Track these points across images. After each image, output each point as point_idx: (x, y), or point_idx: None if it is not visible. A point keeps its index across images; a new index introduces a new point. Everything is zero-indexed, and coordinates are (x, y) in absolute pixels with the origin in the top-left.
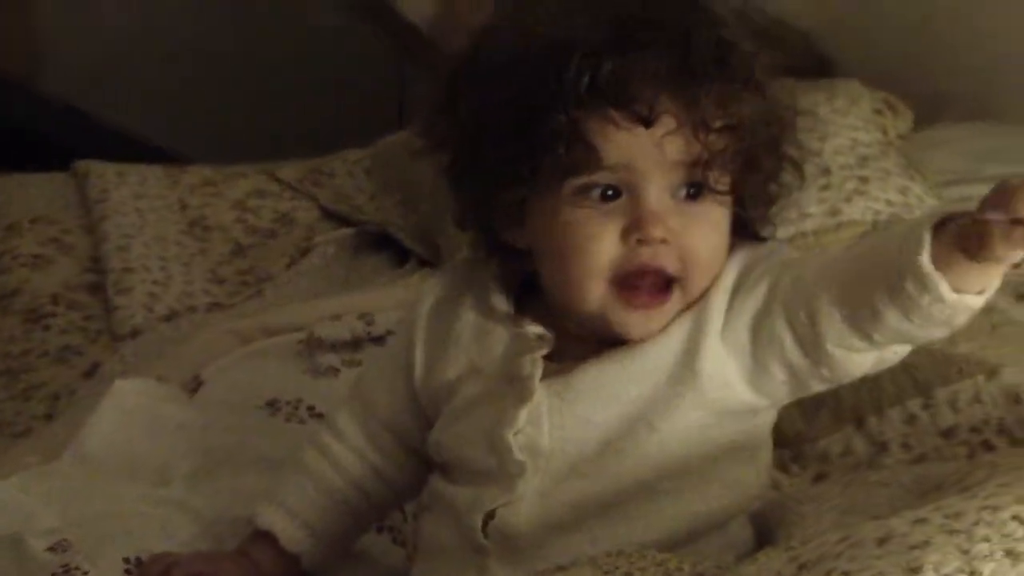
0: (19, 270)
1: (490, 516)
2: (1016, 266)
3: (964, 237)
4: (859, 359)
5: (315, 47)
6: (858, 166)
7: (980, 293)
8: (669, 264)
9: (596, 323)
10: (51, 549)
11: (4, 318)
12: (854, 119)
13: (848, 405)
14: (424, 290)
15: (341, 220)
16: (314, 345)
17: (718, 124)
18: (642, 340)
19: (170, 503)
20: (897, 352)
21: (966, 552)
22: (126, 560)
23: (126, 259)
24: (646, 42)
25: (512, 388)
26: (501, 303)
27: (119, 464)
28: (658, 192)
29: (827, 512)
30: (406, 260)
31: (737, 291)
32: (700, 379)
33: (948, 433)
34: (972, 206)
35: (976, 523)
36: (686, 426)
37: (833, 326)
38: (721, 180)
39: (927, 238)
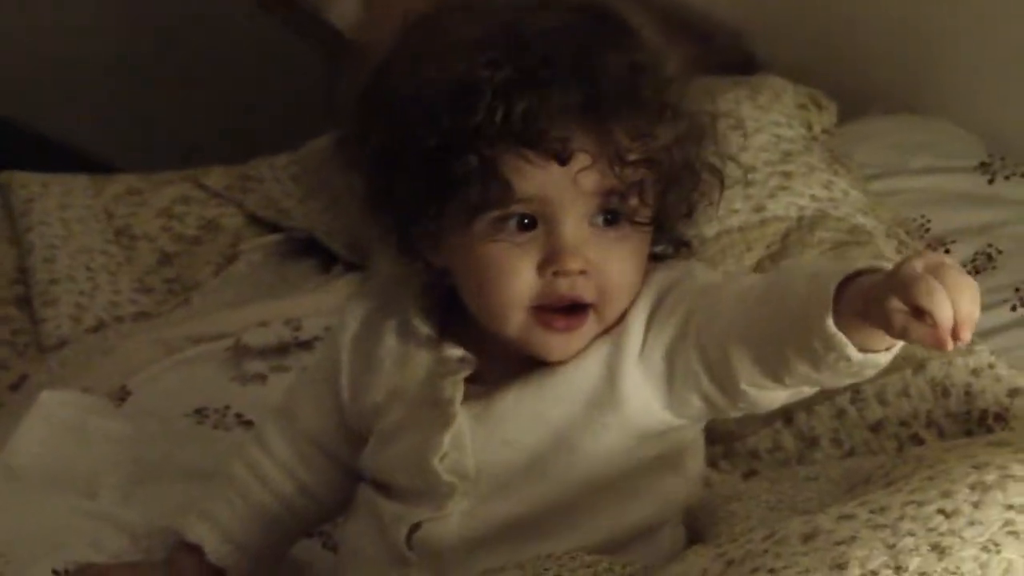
0: None
1: (415, 528)
2: None
3: (868, 309)
4: (773, 395)
5: (240, 51)
6: (782, 162)
7: (887, 350)
8: (587, 294)
9: (517, 345)
10: None
11: None
12: (777, 115)
13: None
14: (346, 312)
15: (267, 226)
16: (241, 352)
17: (632, 157)
18: (562, 362)
19: (99, 515)
20: (813, 388)
21: (892, 547)
22: (55, 572)
23: (52, 270)
24: (548, 79)
25: (434, 412)
26: (422, 326)
27: (47, 476)
28: (575, 222)
29: (756, 509)
30: (333, 265)
31: (653, 316)
32: (620, 401)
33: (877, 427)
34: (878, 262)
35: (901, 517)
36: (608, 446)
37: (744, 369)
38: (640, 210)
39: (830, 301)
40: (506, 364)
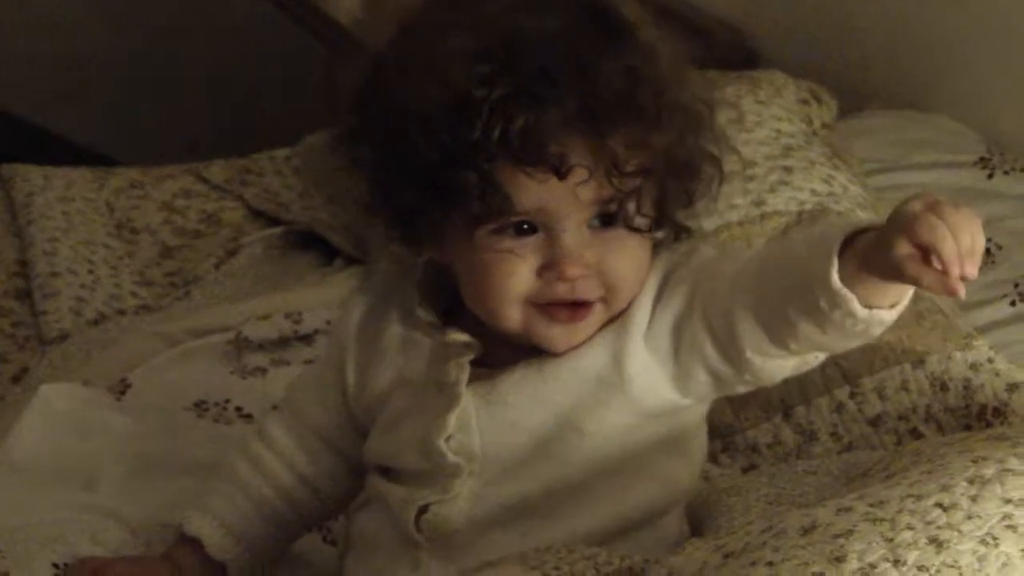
0: None
1: (423, 511)
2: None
3: (872, 258)
4: (779, 364)
5: (242, 45)
6: (782, 156)
7: (893, 307)
8: (588, 293)
9: (520, 338)
10: None
11: None
12: (778, 109)
13: (776, 395)
14: (349, 305)
15: (268, 219)
16: (242, 345)
17: (629, 168)
18: (565, 348)
19: (99, 508)
20: (818, 357)
21: (890, 540)
22: (55, 566)
23: (53, 263)
24: (545, 94)
25: (440, 395)
26: (426, 314)
27: (47, 469)
28: (574, 229)
29: (754, 502)
30: (334, 259)
31: (660, 296)
32: (626, 383)
33: (876, 421)
34: (882, 218)
35: (900, 511)
36: (614, 428)
37: (750, 335)
38: (637, 217)
39: (834, 256)
40: (511, 348)
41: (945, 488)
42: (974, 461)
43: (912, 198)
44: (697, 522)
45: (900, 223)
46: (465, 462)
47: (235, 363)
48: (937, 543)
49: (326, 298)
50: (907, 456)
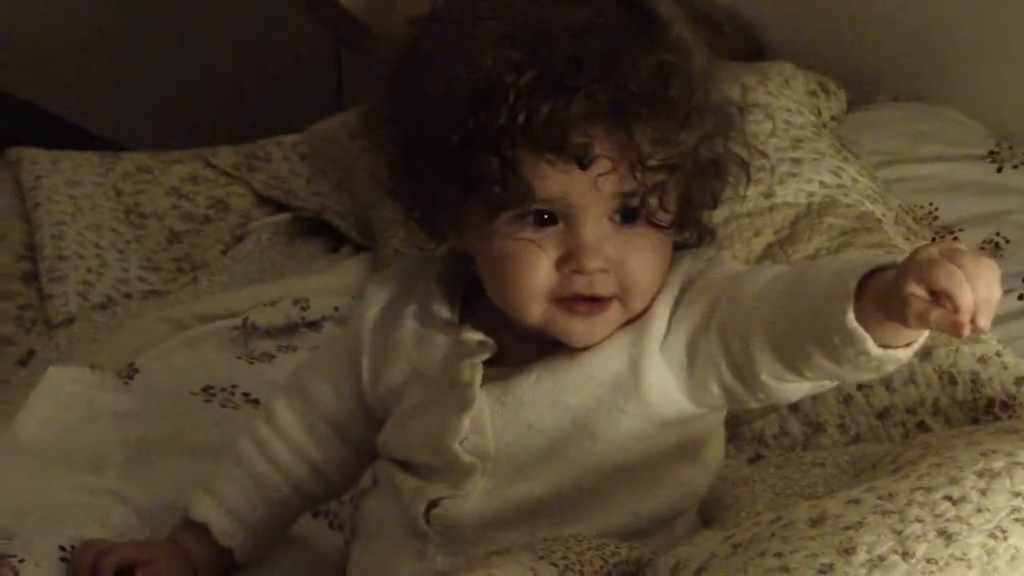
0: None
1: (434, 504)
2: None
3: (887, 300)
4: (793, 387)
5: (250, 30)
6: (792, 148)
7: (908, 346)
8: (605, 290)
9: (539, 332)
10: None
11: None
12: (787, 101)
13: None
14: (367, 296)
15: (276, 205)
16: (249, 331)
17: (654, 162)
18: (587, 345)
19: (105, 492)
20: (835, 382)
21: (899, 532)
22: (62, 548)
23: (60, 247)
24: (573, 83)
25: (453, 395)
26: (443, 310)
27: (54, 452)
28: (594, 221)
29: (762, 493)
30: (341, 245)
31: (678, 305)
32: (641, 390)
33: (883, 414)
34: (900, 256)
35: (909, 503)
36: (628, 433)
37: (766, 361)
38: (659, 212)
39: (851, 295)
40: (527, 347)
41: (954, 481)
42: (983, 454)
43: (930, 244)
44: (704, 513)
45: (916, 268)
46: (479, 462)
47: (242, 349)
48: (946, 536)
49: (333, 285)
50: (916, 449)
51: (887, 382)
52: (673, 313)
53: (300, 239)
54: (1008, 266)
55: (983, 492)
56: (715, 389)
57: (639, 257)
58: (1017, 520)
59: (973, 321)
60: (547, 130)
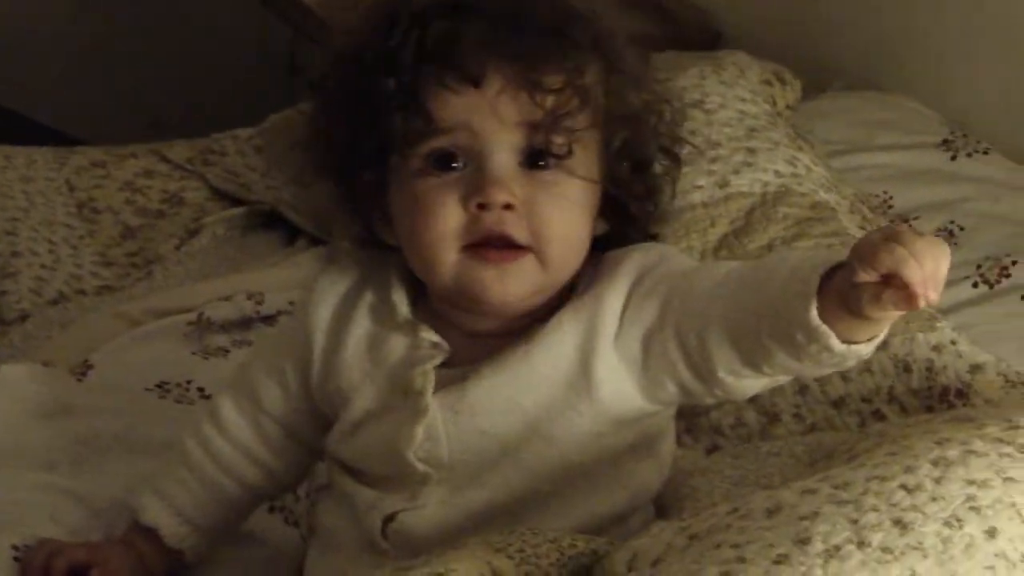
0: None
1: (390, 519)
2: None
3: (845, 295)
4: (750, 383)
5: (207, 23)
6: (746, 137)
7: (870, 341)
8: (516, 232)
9: (458, 295)
10: None
11: None
12: (742, 90)
13: None
14: (319, 290)
15: (230, 199)
16: (203, 326)
17: (555, 85)
18: (502, 305)
19: (58, 489)
20: (790, 377)
21: (855, 522)
22: (14, 547)
23: (13, 243)
24: (469, 7)
25: (406, 403)
26: (402, 304)
27: (6, 450)
28: (501, 157)
29: (719, 484)
30: (296, 239)
31: (630, 300)
32: (595, 387)
33: (839, 403)
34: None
35: (864, 493)
36: (583, 433)
37: (723, 357)
38: (571, 159)
39: (813, 292)
40: (476, 346)
41: (909, 470)
42: (938, 443)
43: (872, 231)
44: (661, 504)
45: (861, 255)
46: (434, 471)
47: (197, 344)
48: (902, 525)
49: (289, 279)
50: (871, 438)
51: (843, 371)
52: (625, 309)
53: (255, 233)
54: (962, 254)
55: (938, 481)
56: (671, 387)
57: (551, 202)
58: (972, 508)
59: (927, 301)
60: (439, 47)
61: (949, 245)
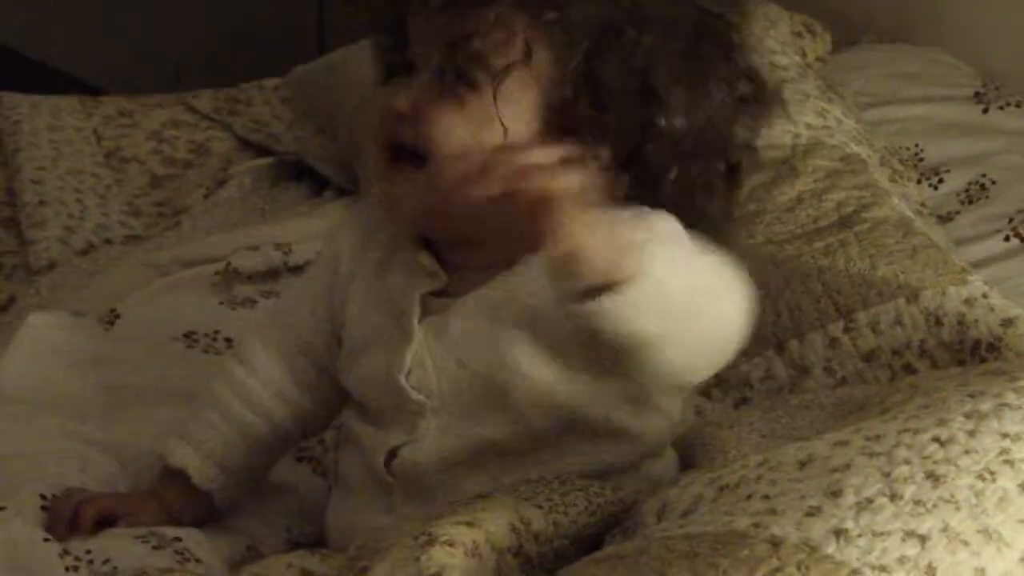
0: None
1: (393, 455)
2: None
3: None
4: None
5: None
6: None
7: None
8: (406, 136)
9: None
10: None
11: None
12: (772, 42)
13: (769, 329)
14: (346, 220)
15: (258, 150)
16: (231, 276)
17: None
18: (390, 215)
19: (87, 439)
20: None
21: (887, 474)
22: (43, 496)
23: (41, 192)
24: None
25: (397, 327)
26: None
27: (35, 399)
28: (426, 70)
29: (748, 436)
30: (324, 189)
31: None
32: (556, 330)
33: (869, 356)
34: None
35: (896, 445)
36: (555, 377)
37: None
38: (477, 71)
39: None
40: (476, 278)
41: (942, 422)
42: (971, 396)
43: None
44: (690, 456)
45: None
46: (426, 399)
47: (224, 294)
48: (934, 478)
49: (316, 229)
50: (903, 391)
51: (873, 324)
52: None
53: (282, 183)
54: (993, 207)
55: (971, 433)
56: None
57: (440, 113)
58: (1005, 462)
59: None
60: None
61: (981, 198)
